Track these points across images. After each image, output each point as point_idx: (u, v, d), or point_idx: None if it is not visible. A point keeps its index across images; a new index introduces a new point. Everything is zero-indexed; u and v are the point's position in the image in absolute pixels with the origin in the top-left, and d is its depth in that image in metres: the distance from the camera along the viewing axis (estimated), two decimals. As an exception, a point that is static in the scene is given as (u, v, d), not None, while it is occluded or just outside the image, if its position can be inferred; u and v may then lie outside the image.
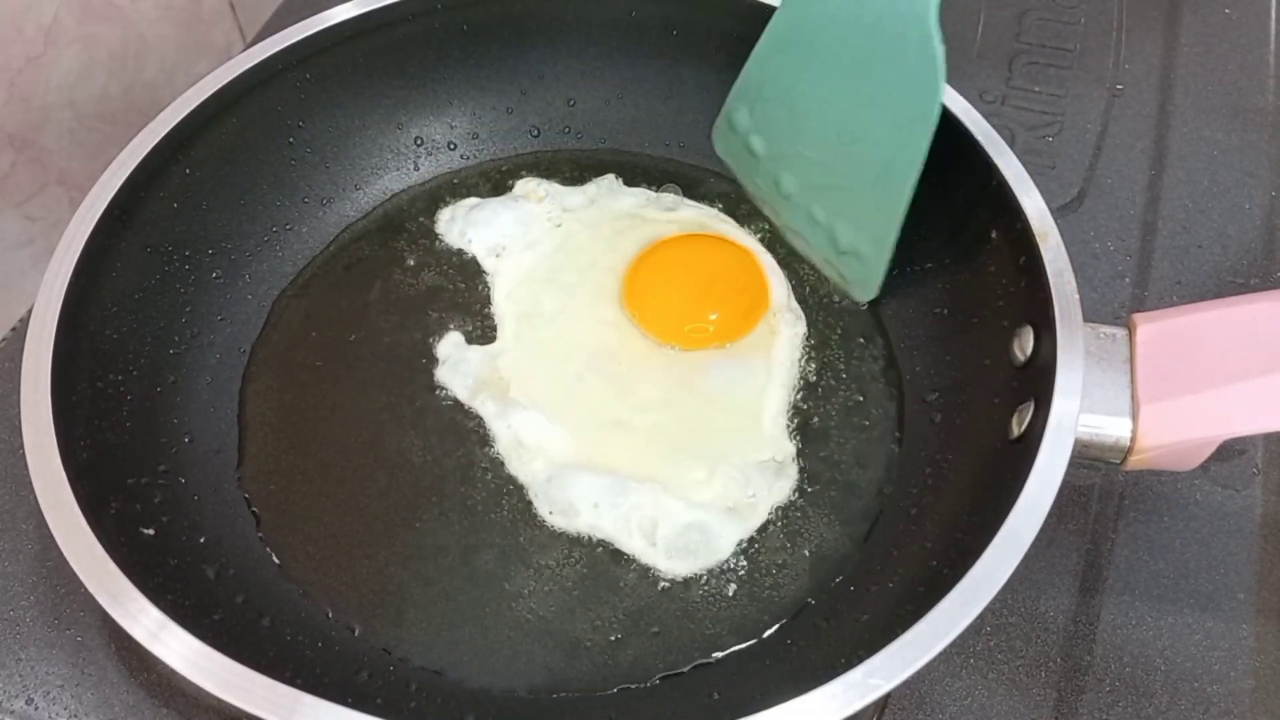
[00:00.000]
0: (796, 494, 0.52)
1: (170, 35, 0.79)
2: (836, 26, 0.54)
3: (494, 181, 0.65)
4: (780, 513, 0.52)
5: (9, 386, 0.55)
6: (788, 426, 0.54)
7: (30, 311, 0.47)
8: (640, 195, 0.64)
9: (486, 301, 0.59)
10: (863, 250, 0.57)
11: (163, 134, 0.53)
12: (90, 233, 0.49)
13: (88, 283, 0.49)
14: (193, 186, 0.56)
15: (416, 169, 0.65)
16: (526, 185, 0.64)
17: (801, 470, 0.53)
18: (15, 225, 0.73)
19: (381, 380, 0.56)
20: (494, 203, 0.63)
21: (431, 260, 0.61)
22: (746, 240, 0.62)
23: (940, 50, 0.50)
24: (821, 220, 0.58)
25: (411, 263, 0.61)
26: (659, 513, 0.50)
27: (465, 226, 0.61)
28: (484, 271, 0.61)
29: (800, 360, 0.57)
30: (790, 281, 0.60)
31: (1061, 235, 0.49)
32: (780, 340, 0.57)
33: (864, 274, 0.58)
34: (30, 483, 0.42)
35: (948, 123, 0.54)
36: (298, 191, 0.61)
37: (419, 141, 0.65)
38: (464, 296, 0.60)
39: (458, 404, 0.55)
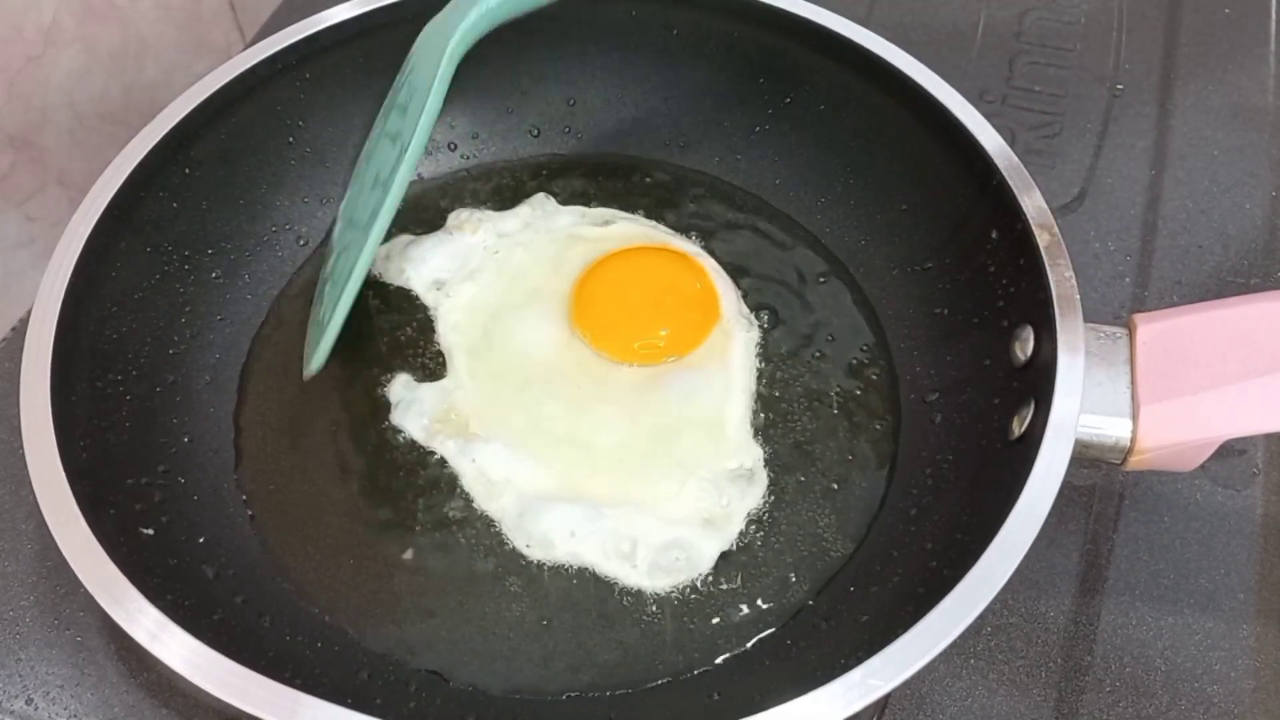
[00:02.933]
0: (797, 494, 0.52)
1: (170, 35, 0.79)
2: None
3: (497, 185, 0.65)
4: (780, 513, 0.52)
5: (9, 386, 0.55)
6: (760, 431, 0.54)
7: (30, 311, 0.47)
8: (574, 213, 0.63)
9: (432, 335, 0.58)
10: (324, 317, 0.53)
11: (162, 134, 0.53)
12: (90, 233, 0.49)
13: (88, 283, 0.49)
14: (193, 186, 0.56)
15: (416, 169, 0.65)
16: (459, 217, 0.62)
17: (772, 474, 0.53)
18: (15, 225, 0.73)
19: (354, 389, 0.56)
20: (429, 239, 0.61)
21: (379, 298, 0.60)
22: (690, 249, 0.61)
23: (438, 90, 0.50)
24: (321, 288, 0.56)
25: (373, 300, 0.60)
26: (636, 533, 0.50)
27: (403, 264, 0.60)
28: (426, 307, 0.59)
29: (759, 365, 0.56)
30: (742, 289, 0.59)
31: (1061, 235, 0.49)
32: (735, 347, 0.56)
33: (318, 342, 0.53)
34: (30, 483, 0.42)
35: (948, 122, 0.54)
36: (298, 191, 0.61)
37: (419, 141, 0.65)
38: (407, 334, 0.58)
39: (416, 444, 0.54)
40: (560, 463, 0.52)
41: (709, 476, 0.52)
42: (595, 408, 0.54)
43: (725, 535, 0.51)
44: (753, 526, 0.51)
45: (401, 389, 0.56)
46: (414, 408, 0.55)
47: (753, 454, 0.53)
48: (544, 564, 0.50)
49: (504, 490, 0.52)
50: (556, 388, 0.55)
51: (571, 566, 0.50)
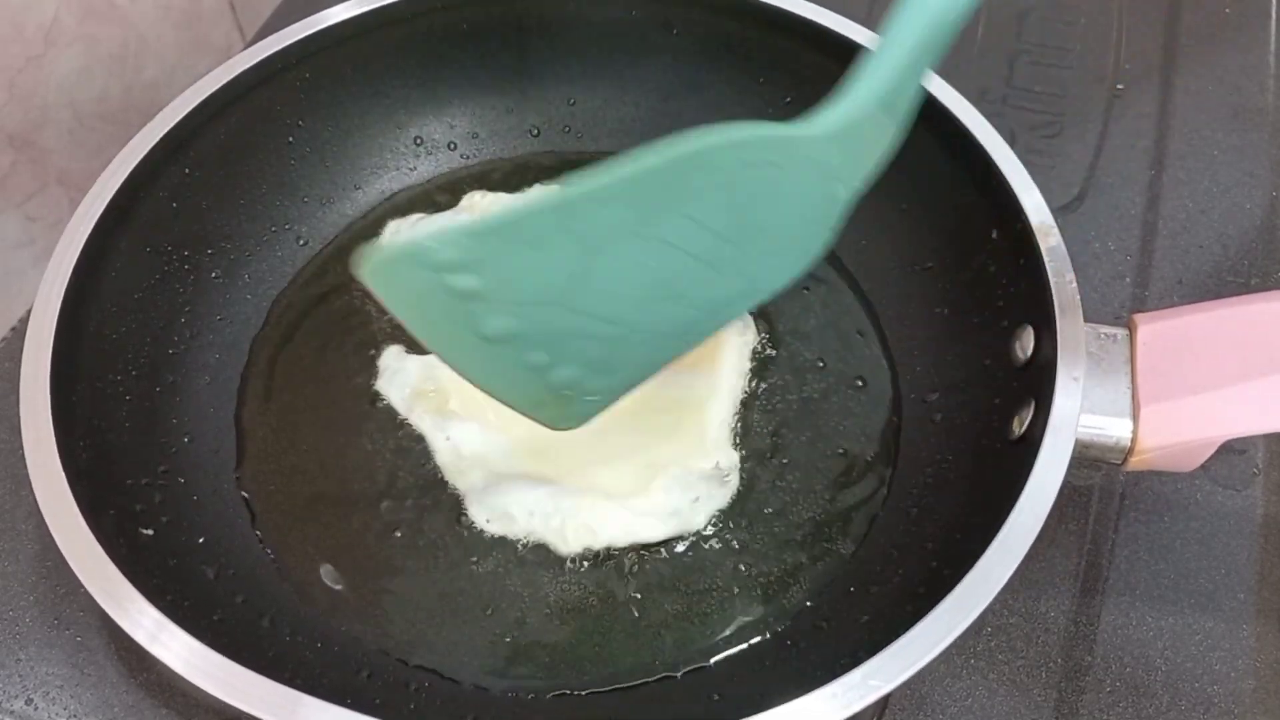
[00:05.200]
0: (796, 493, 0.52)
1: (170, 35, 0.79)
2: (713, 201, 0.40)
3: (497, 184, 0.65)
4: (779, 513, 0.52)
5: (9, 386, 0.55)
6: (748, 431, 0.54)
7: (30, 311, 0.47)
8: None
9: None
10: (586, 389, 0.45)
11: (162, 134, 0.53)
12: (90, 233, 0.49)
13: (87, 283, 0.49)
14: (192, 186, 0.56)
15: (416, 169, 0.65)
16: (472, 199, 0.63)
17: (766, 474, 0.53)
18: (15, 225, 0.73)
19: (354, 389, 0.56)
20: (441, 217, 0.62)
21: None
22: None
23: (827, 238, 0.43)
24: (538, 362, 0.43)
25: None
26: (595, 520, 0.50)
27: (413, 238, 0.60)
28: None
29: (754, 365, 0.56)
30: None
31: (1061, 235, 0.49)
32: (727, 350, 0.56)
33: (572, 410, 0.47)
34: (30, 483, 0.42)
35: (948, 122, 0.54)
36: (298, 191, 0.61)
37: (419, 141, 0.65)
38: None
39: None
40: (534, 446, 0.52)
41: (680, 474, 0.52)
42: None
43: (686, 528, 0.51)
44: (752, 526, 0.51)
45: (391, 358, 0.56)
46: (398, 378, 0.55)
47: (729, 458, 0.53)
48: (513, 540, 0.50)
49: (474, 466, 0.52)
50: None
51: (581, 566, 0.50)
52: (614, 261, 0.40)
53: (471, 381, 0.43)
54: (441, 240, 0.38)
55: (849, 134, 0.41)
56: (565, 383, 0.44)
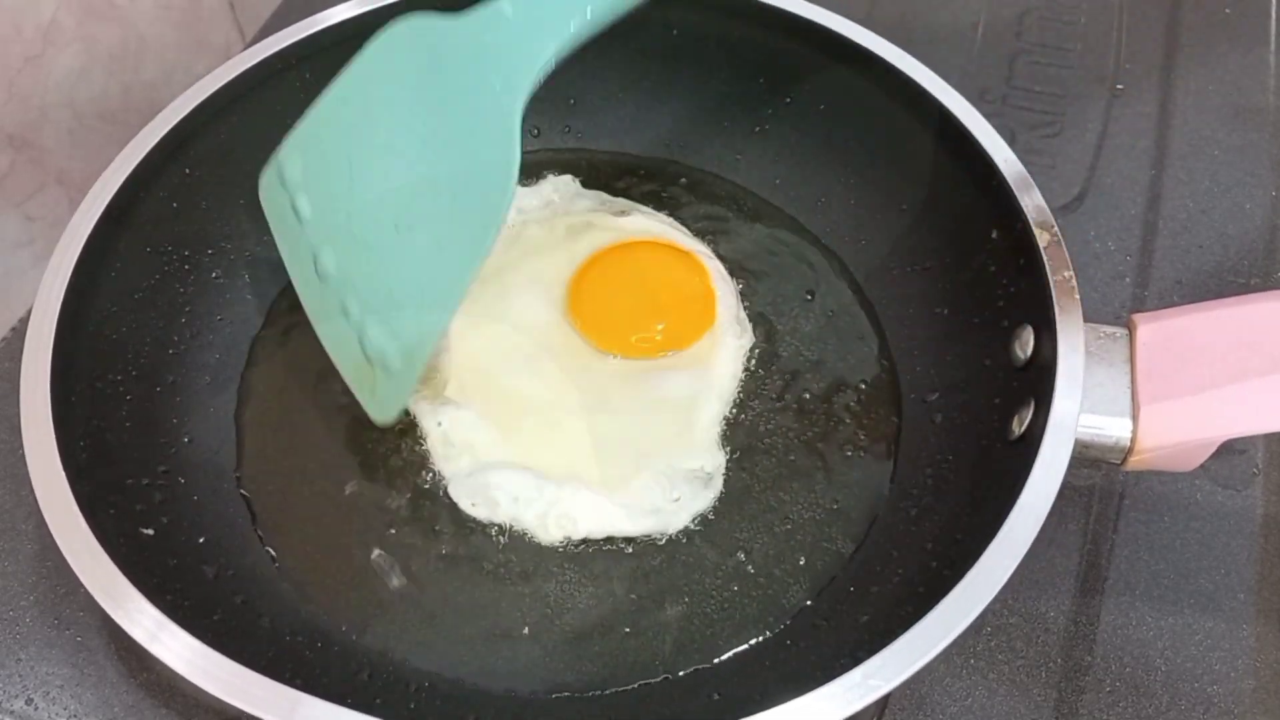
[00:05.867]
0: (796, 493, 0.52)
1: (169, 35, 0.79)
2: (415, 94, 0.47)
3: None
4: (778, 513, 0.52)
5: (9, 386, 0.55)
6: (739, 432, 0.54)
7: (30, 311, 0.47)
8: (594, 198, 0.63)
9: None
10: (389, 361, 0.49)
11: (162, 134, 0.53)
12: (90, 233, 0.49)
13: (88, 283, 0.49)
14: (192, 186, 0.56)
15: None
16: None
17: (764, 474, 0.53)
18: (15, 225, 0.73)
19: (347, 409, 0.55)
20: None
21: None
22: (699, 249, 0.61)
23: (517, 157, 0.45)
24: (354, 315, 0.50)
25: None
26: (575, 509, 0.50)
27: None
28: None
29: (748, 370, 0.56)
30: (743, 291, 0.59)
31: (1061, 235, 0.49)
32: (724, 352, 0.56)
33: (386, 390, 0.50)
34: (30, 483, 0.42)
35: (948, 122, 0.54)
36: (297, 191, 0.61)
37: (419, 141, 0.65)
38: None
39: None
40: (524, 436, 0.53)
41: (666, 471, 0.52)
42: (573, 391, 0.55)
43: (667, 528, 0.51)
44: (752, 526, 0.51)
45: None
46: None
47: (715, 459, 0.53)
48: (495, 526, 0.51)
49: (463, 453, 0.52)
50: (539, 365, 0.55)
51: (572, 565, 0.50)
52: (365, 173, 0.49)
53: (324, 343, 0.52)
54: (284, 152, 0.50)
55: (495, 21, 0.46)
56: (375, 347, 0.49)
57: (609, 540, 0.51)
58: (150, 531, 0.46)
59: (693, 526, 0.51)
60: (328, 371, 0.55)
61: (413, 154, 0.47)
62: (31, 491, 0.42)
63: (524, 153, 0.65)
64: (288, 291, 0.59)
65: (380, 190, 0.48)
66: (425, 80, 0.47)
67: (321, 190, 0.50)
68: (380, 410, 0.50)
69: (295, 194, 0.51)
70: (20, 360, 0.45)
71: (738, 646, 0.48)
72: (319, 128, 0.50)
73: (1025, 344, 0.49)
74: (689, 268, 0.59)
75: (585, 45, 0.65)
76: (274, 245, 0.60)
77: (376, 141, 0.48)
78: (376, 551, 0.50)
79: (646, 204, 0.64)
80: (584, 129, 0.67)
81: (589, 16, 0.46)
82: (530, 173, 0.65)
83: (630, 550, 0.51)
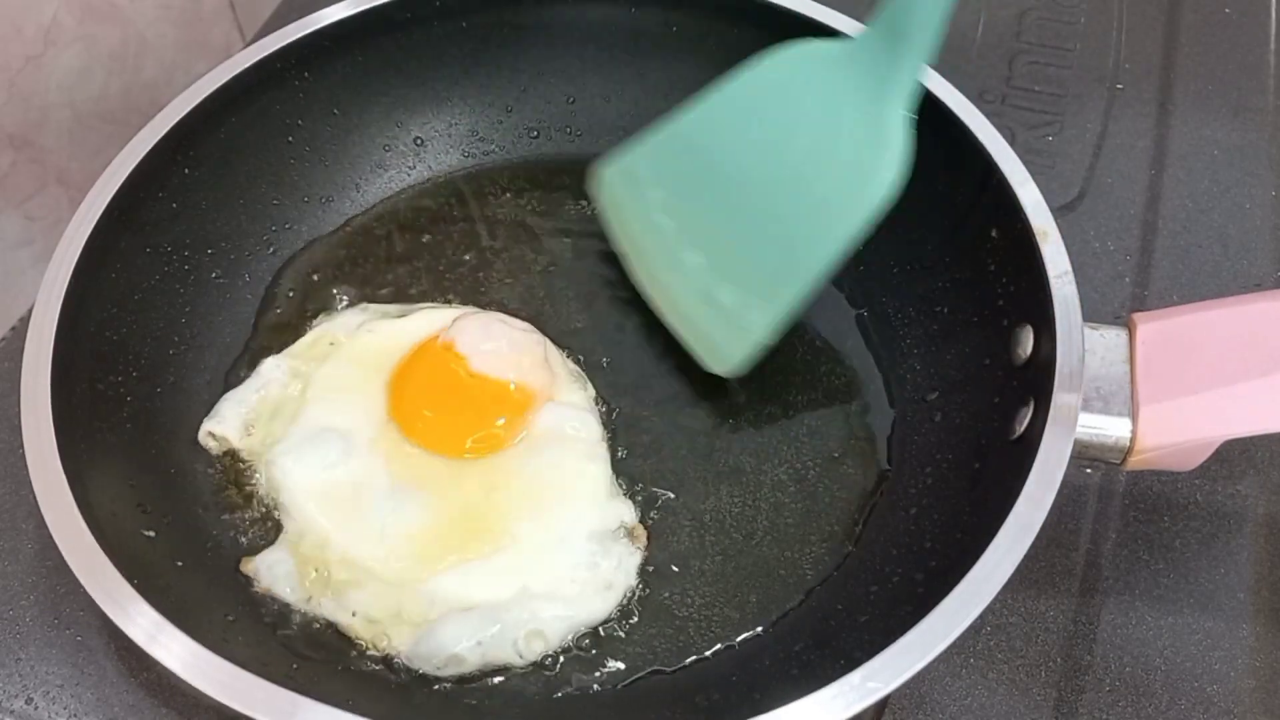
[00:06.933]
0: (795, 494, 0.52)
1: (170, 35, 0.79)
2: (795, 105, 0.52)
3: (496, 183, 0.65)
4: (778, 513, 0.52)
5: (9, 386, 0.55)
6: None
7: (30, 311, 0.47)
8: (357, 314, 0.58)
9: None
10: (747, 312, 0.53)
11: (162, 134, 0.53)
12: (90, 233, 0.49)
13: (88, 283, 0.49)
14: (192, 186, 0.56)
15: (416, 169, 0.65)
16: (265, 367, 0.55)
17: (765, 475, 0.53)
18: (15, 225, 0.73)
19: None
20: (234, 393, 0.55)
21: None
22: (485, 318, 0.56)
23: (899, 155, 0.48)
24: (699, 265, 0.55)
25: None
26: (539, 622, 0.47)
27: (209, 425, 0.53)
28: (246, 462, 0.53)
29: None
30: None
31: (1061, 235, 0.49)
32: (571, 412, 0.53)
33: (733, 338, 0.53)
34: (30, 483, 0.42)
35: (948, 122, 0.54)
36: (297, 191, 0.61)
37: (418, 141, 0.65)
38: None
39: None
40: (440, 575, 0.48)
41: (586, 545, 0.49)
42: (453, 506, 0.50)
43: (622, 593, 0.49)
44: (751, 525, 0.51)
45: (262, 562, 0.49)
46: (278, 570, 0.48)
47: (627, 511, 0.51)
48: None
49: (395, 625, 0.47)
50: (404, 495, 0.50)
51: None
52: (727, 167, 0.54)
53: (656, 300, 0.57)
54: (636, 155, 0.58)
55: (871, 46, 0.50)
56: (729, 299, 0.53)
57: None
58: (151, 533, 0.46)
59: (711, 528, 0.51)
60: (327, 372, 0.55)
61: (787, 156, 0.52)
62: (31, 491, 0.42)
63: (526, 155, 0.65)
64: (287, 291, 0.59)
65: (745, 185, 0.53)
66: (806, 93, 0.52)
67: (677, 182, 0.56)
68: (718, 359, 0.54)
69: (647, 188, 0.58)
70: (20, 360, 0.45)
71: (737, 647, 0.48)
72: (683, 137, 0.56)
73: (1025, 343, 0.49)
74: (469, 359, 0.53)
75: (585, 45, 0.65)
76: (273, 245, 0.60)
77: (750, 140, 0.53)
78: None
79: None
80: (584, 129, 0.67)
81: (942, 30, 0.48)
82: (519, 179, 0.65)
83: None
